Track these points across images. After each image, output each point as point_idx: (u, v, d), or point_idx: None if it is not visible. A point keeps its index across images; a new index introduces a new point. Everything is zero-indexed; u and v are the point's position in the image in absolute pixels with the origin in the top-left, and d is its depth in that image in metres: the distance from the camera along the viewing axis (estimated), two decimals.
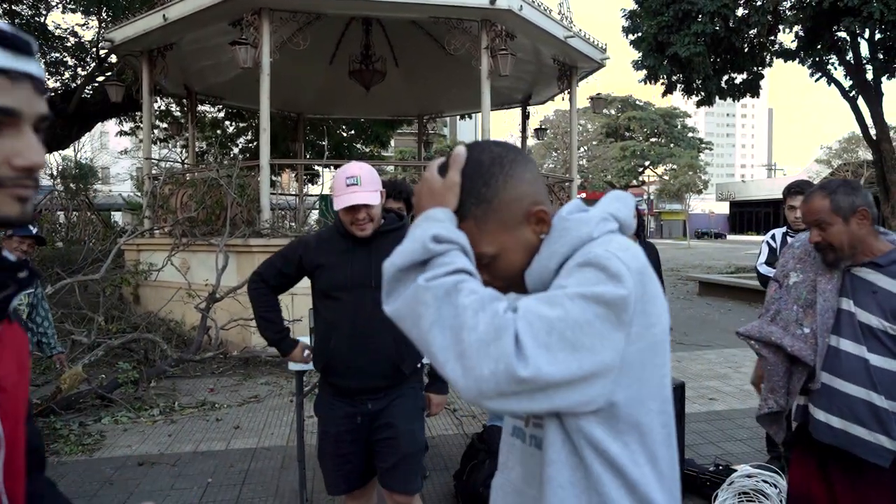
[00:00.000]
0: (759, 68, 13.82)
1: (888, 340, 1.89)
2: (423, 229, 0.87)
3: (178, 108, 14.34)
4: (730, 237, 50.85)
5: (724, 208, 60.36)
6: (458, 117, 15.65)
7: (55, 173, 15.98)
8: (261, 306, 2.43)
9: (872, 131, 12.84)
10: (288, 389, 5.84)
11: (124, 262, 8.74)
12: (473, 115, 15.79)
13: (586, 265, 0.88)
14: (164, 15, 7.62)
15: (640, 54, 13.27)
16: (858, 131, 13.45)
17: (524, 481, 1.02)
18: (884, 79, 12.49)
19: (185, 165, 11.31)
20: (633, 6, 13.54)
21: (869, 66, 12.45)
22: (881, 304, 1.91)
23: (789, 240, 3.81)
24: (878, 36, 11.77)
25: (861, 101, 12.89)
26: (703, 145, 45.37)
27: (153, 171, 9.13)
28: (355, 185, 2.12)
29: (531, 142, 16.42)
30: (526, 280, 0.99)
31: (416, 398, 2.41)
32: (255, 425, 4.86)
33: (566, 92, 10.10)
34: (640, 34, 13.13)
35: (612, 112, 40.10)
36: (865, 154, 26.39)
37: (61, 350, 4.17)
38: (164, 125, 14.66)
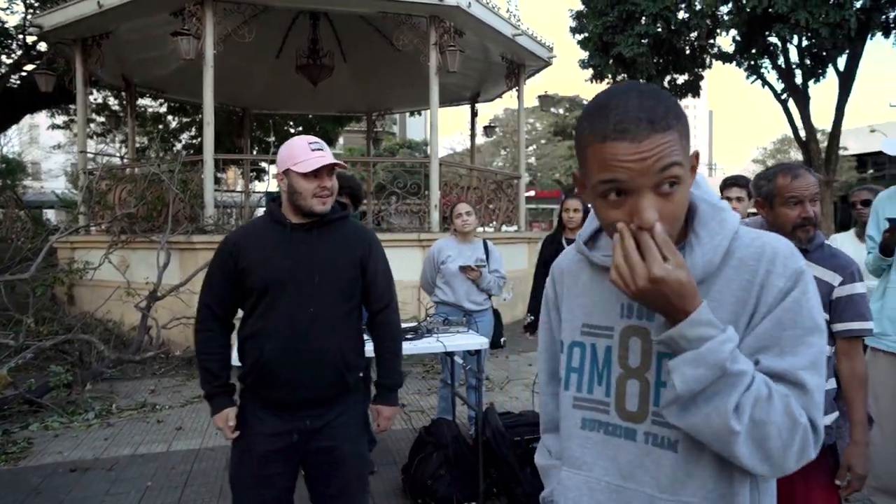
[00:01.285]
0: (700, 70, 14.32)
1: None
2: (713, 350, 0.85)
3: (116, 102, 13.78)
4: None
5: None
6: (407, 114, 15.60)
7: None
8: (202, 351, 2.08)
9: (802, 133, 13.50)
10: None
11: (57, 261, 8.34)
12: (423, 112, 15.78)
13: (805, 293, 0.93)
14: (98, 1, 7.29)
15: (587, 54, 13.55)
16: (790, 132, 14.10)
17: (622, 477, 0.99)
18: (811, 83, 13.14)
19: (125, 160, 10.89)
20: (579, 7, 13.81)
21: (798, 71, 13.08)
22: None
23: None
24: (804, 42, 12.37)
25: (791, 104, 13.53)
26: None
27: (89, 166, 8.75)
28: (321, 149, 1.96)
29: (480, 139, 16.53)
30: (691, 269, 0.92)
31: (362, 413, 2.17)
32: (198, 426, 4.72)
33: (514, 89, 10.20)
34: (586, 34, 13.40)
35: (561, 111, 40.77)
36: (797, 154, 27.73)
37: None
38: (102, 119, 14.06)
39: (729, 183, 3.91)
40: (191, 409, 5.13)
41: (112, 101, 13.95)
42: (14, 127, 17.74)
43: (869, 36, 11.75)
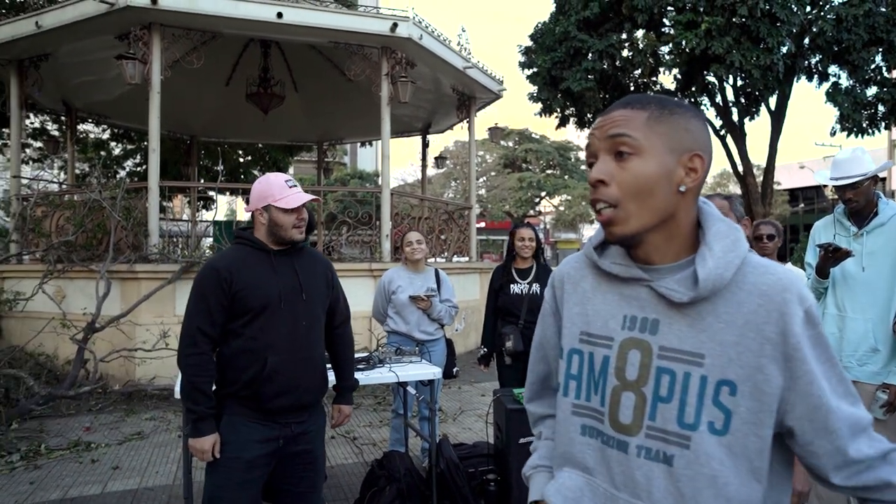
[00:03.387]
0: None
1: None
2: None
3: (55, 126, 13.28)
4: None
5: None
6: (358, 144, 15.60)
7: None
8: (196, 373, 2.18)
9: (740, 167, 14.15)
10: (175, 424, 5.45)
11: None
12: (374, 143, 15.82)
13: (820, 332, 0.96)
14: (36, 22, 7.05)
15: (536, 88, 13.92)
16: (729, 167, 14.75)
17: (615, 487, 1.01)
18: (746, 120, 13.86)
19: (64, 186, 10.47)
20: (528, 42, 14.22)
21: (734, 109, 13.78)
22: None
23: None
24: (739, 82, 13.07)
25: (729, 140, 14.20)
26: None
27: (24, 192, 8.36)
28: (296, 186, 2.26)
29: (431, 171, 16.65)
30: (700, 278, 0.96)
31: (324, 416, 2.45)
32: (137, 464, 4.48)
33: (465, 121, 10.36)
34: (535, 69, 13.78)
35: (510, 144, 41.66)
36: (735, 188, 29.07)
37: None
38: (39, 144, 13.49)
39: None
40: (129, 447, 4.87)
41: (51, 126, 13.43)
42: None
43: (795, 78, 12.52)
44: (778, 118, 13.51)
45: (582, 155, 48.43)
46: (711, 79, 12.98)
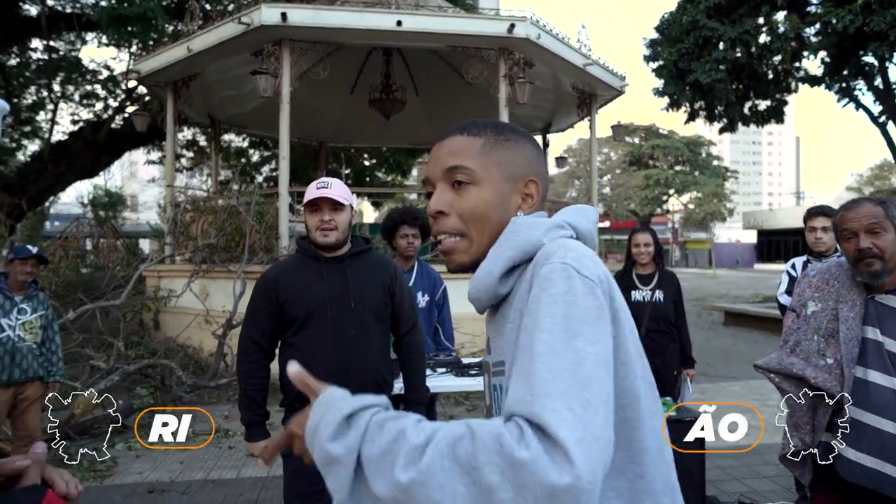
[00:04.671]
0: (784, 94, 13.69)
1: None
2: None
3: (203, 138, 14.64)
4: (757, 266, 49.94)
5: (751, 237, 59.47)
6: None
7: (86, 201, 16.28)
8: (246, 380, 2.23)
9: None
10: None
11: (145, 289, 8.82)
12: None
13: (540, 306, 0.78)
14: (188, 46, 7.81)
15: (662, 82, 13.25)
16: (890, 157, 13.16)
17: None
18: None
19: (209, 193, 11.51)
20: (653, 35, 13.58)
21: None
22: None
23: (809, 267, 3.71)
24: None
25: (891, 127, 12.65)
26: (729, 173, 44.88)
27: (176, 199, 9.28)
28: (325, 188, 2.16)
29: (552, 170, 16.38)
30: (469, 289, 0.95)
31: None
32: None
33: (586, 119, 10.07)
34: (660, 62, 13.12)
35: (636, 140, 40.06)
36: None
37: (58, 378, 4.09)
38: (191, 154, 14.96)
39: (814, 212, 3.66)
40: None
41: (200, 138, 14.83)
42: (116, 162, 19.16)
43: None
44: None
45: (714, 150, 45.53)
46: (869, 59, 11.63)
